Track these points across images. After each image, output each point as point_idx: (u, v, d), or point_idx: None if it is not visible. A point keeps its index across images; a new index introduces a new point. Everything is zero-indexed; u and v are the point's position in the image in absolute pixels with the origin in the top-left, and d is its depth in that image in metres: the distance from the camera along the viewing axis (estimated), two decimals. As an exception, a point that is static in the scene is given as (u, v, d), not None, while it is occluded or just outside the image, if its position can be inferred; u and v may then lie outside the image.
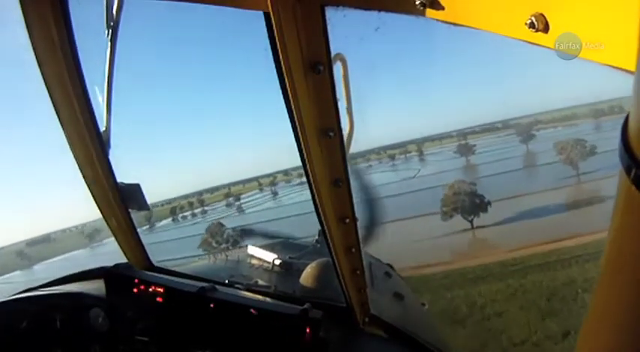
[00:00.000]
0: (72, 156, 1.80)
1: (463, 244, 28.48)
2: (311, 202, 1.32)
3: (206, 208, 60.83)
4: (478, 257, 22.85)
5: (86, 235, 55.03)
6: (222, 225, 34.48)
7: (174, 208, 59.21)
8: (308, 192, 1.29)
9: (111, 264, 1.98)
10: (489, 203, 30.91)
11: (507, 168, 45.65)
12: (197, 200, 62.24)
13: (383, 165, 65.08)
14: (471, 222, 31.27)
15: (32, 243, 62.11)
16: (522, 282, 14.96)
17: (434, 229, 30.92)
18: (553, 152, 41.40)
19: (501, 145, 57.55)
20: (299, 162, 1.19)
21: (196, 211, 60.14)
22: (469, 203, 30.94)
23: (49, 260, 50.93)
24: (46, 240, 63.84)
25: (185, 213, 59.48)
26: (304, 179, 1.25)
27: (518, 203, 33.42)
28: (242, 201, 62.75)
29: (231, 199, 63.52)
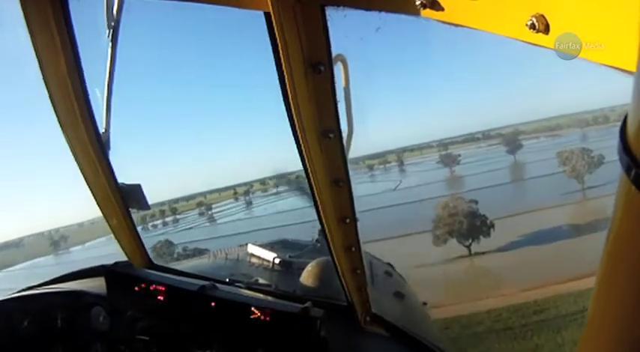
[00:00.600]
0: (72, 156, 1.80)
1: (461, 278, 21.12)
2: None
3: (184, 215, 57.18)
4: (484, 298, 16.90)
5: (51, 243, 49.74)
6: (170, 242, 30.95)
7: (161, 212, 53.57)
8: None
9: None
10: (492, 225, 24.50)
11: (498, 181, 38.98)
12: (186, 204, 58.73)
13: (361, 175, 59.43)
14: (469, 247, 24.89)
15: (2, 247, 55.35)
16: (558, 342, 10.69)
17: (421, 256, 22.92)
18: (543, 163, 37.31)
19: (487, 155, 52.91)
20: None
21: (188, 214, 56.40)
22: (467, 225, 24.65)
23: (12, 267, 43.90)
24: (17, 244, 58.18)
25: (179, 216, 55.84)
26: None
27: (519, 222, 26.97)
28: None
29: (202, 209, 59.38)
